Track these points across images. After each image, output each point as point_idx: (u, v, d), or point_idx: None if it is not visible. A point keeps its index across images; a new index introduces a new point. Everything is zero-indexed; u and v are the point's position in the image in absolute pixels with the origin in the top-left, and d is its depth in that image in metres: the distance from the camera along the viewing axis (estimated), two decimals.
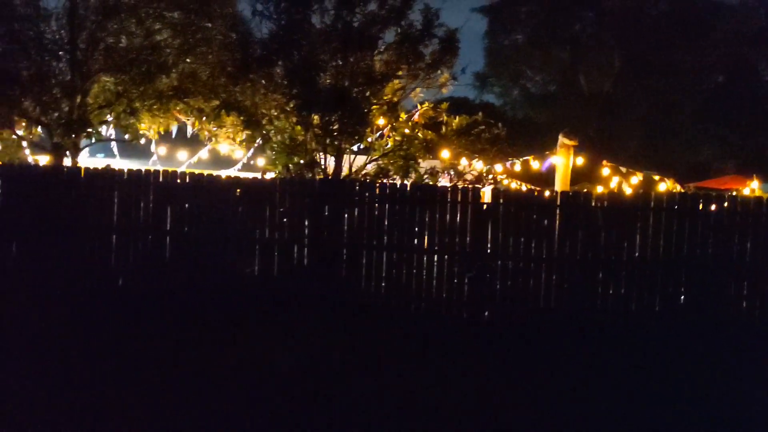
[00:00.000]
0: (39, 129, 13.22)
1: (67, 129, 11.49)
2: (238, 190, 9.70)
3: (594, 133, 26.57)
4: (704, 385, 6.79)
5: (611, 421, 5.86)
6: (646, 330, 8.38)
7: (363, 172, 11.71)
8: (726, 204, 8.58)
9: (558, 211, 8.86)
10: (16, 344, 7.32)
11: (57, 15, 11.87)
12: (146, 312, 8.90)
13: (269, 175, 11.48)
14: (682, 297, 8.56)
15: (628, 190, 13.77)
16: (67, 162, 11.89)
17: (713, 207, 8.59)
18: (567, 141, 12.65)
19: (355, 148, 11.72)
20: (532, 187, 11.55)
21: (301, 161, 11.40)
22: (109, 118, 12.61)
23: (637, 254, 8.63)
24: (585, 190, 10.37)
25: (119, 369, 6.67)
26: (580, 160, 13.80)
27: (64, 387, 6.09)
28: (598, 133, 26.90)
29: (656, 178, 15.05)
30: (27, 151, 14.56)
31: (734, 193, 13.25)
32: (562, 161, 12.89)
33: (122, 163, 15.40)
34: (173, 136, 14.40)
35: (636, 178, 14.93)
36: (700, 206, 8.57)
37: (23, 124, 12.82)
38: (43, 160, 14.09)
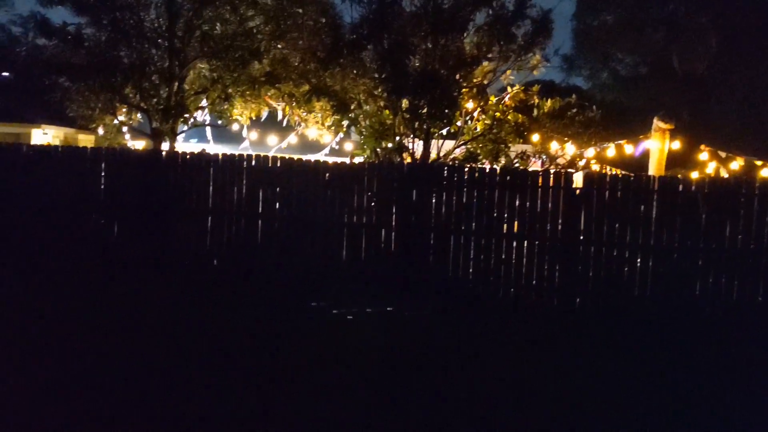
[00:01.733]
0: (139, 115, 13.76)
1: (165, 114, 11.91)
2: (327, 174, 9.82)
3: (689, 116, 25.46)
4: None
5: (709, 414, 5.65)
6: (748, 321, 8.03)
7: (451, 157, 11.63)
8: None
9: (655, 196, 8.57)
10: (118, 319, 7.69)
11: (156, 3, 12.27)
12: (239, 292, 9.19)
13: (357, 160, 11.57)
14: None
15: (727, 176, 13.14)
16: (165, 147, 12.33)
17: None
18: (662, 125, 12.19)
19: (443, 132, 11.61)
20: (626, 173, 11.18)
21: (389, 145, 11.42)
22: (204, 103, 12.98)
23: (739, 242, 8.25)
24: (680, 175, 9.95)
25: (219, 344, 6.93)
26: (676, 145, 13.27)
27: (165, 361, 6.36)
28: (694, 117, 25.74)
29: (758, 163, 14.30)
30: (127, 136, 15.22)
31: None
32: (657, 145, 12.43)
33: (215, 148, 15.88)
34: (262, 120, 14.70)
35: (736, 164, 14.23)
36: None
37: (124, 110, 13.37)
38: (141, 144, 14.71)
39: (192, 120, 13.45)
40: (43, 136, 20.64)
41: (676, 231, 8.47)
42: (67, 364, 6.07)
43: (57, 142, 20.74)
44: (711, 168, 14.81)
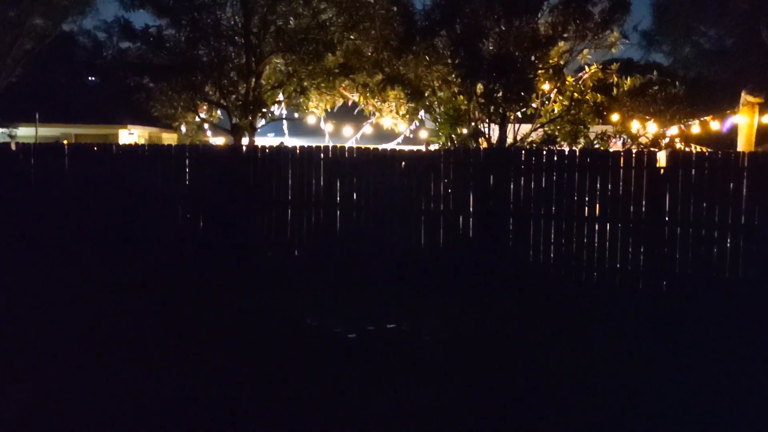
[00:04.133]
0: (218, 111, 14.15)
1: (244, 110, 12.21)
2: (403, 163, 9.85)
3: None
4: None
5: None
6: None
7: (528, 140, 11.45)
8: None
9: (745, 174, 8.19)
10: (202, 309, 7.97)
11: (231, 2, 12.57)
12: (319, 280, 9.36)
13: (433, 147, 11.55)
14: None
15: None
16: (244, 141, 12.64)
17: None
18: (751, 98, 11.64)
19: (519, 115, 11.43)
20: (712, 150, 10.75)
21: (465, 131, 11.34)
22: (281, 97, 13.22)
23: None
24: None
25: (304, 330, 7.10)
26: (766, 119, 12.64)
27: (246, 347, 6.56)
28: None
29: None
30: (208, 133, 15.70)
31: None
32: (746, 120, 11.88)
33: (292, 142, 16.17)
34: (336, 111, 14.86)
35: None
36: None
37: (204, 107, 13.77)
38: (221, 141, 15.14)
39: (269, 114, 13.72)
40: (129, 136, 21.54)
41: None
42: (168, 349, 6.35)
43: (142, 141, 21.61)
44: None
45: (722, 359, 6.34)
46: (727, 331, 7.17)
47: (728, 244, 8.26)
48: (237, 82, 12.42)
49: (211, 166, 11.05)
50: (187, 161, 11.11)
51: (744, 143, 11.98)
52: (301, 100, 12.87)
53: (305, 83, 12.32)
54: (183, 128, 14.74)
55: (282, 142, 13.44)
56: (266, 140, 17.91)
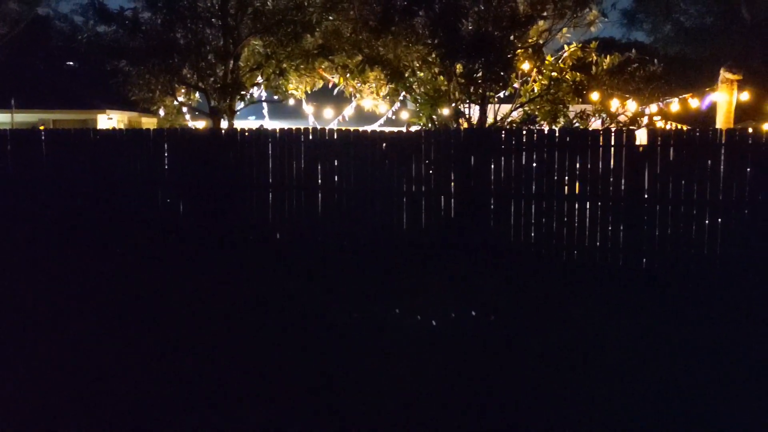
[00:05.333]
0: (197, 95, 14.00)
1: (222, 93, 12.08)
2: (384, 144, 9.83)
3: (760, 65, 24.31)
4: None
5: None
6: None
7: (509, 120, 11.44)
8: None
9: (723, 151, 8.25)
10: (185, 293, 7.94)
11: None
12: (301, 263, 9.36)
13: (414, 128, 11.51)
14: None
15: None
16: (223, 125, 12.54)
17: None
18: (730, 75, 11.67)
19: (502, 94, 11.40)
20: (691, 128, 10.80)
21: (445, 112, 11.31)
22: (260, 80, 13.10)
23: None
24: (751, 128, 9.51)
25: (286, 314, 7.09)
26: (745, 96, 12.70)
27: (231, 328, 6.55)
28: (765, 66, 24.58)
29: None
30: (187, 117, 15.54)
31: None
32: (725, 98, 11.92)
33: (272, 124, 16.06)
34: (317, 93, 14.74)
35: None
36: None
37: (183, 91, 13.62)
38: (201, 124, 14.99)
39: (248, 97, 13.61)
40: (108, 120, 21.29)
41: (746, 186, 8.16)
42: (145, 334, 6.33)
43: (121, 126, 21.37)
44: None
45: (701, 334, 6.42)
46: (706, 307, 7.24)
47: (707, 221, 8.33)
48: (215, 65, 12.28)
49: (191, 150, 10.97)
50: (166, 145, 11.03)
51: (723, 120, 12.04)
52: (281, 82, 12.76)
53: (284, 65, 12.20)
54: (161, 112, 14.58)
55: (262, 125, 13.35)
56: (247, 123, 17.77)
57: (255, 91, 14.00)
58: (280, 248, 10.17)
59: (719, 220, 8.27)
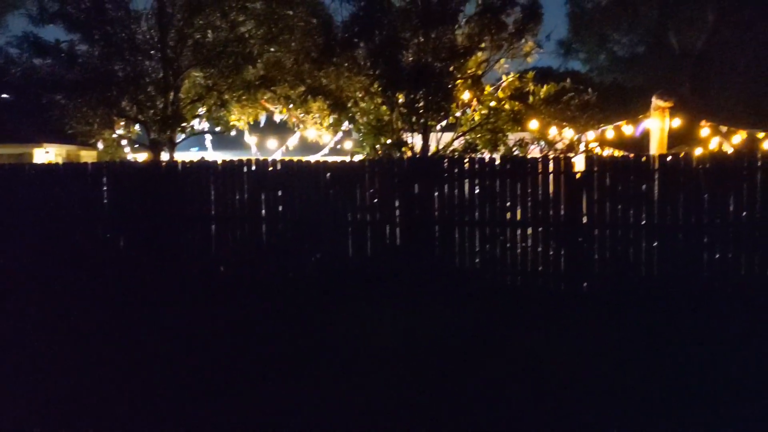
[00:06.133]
0: (137, 127, 13.80)
1: (162, 125, 11.95)
2: (328, 174, 9.84)
3: (689, 92, 25.34)
4: None
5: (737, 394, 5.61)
6: (759, 295, 7.98)
7: (451, 149, 11.61)
8: None
9: (657, 175, 8.52)
10: (124, 330, 7.72)
11: (146, 16, 12.29)
12: (247, 297, 9.22)
13: (358, 158, 11.57)
14: None
15: (729, 150, 13.07)
16: (164, 157, 12.37)
17: None
18: (661, 103, 12.14)
19: (443, 123, 11.59)
20: (627, 153, 11.14)
21: (389, 141, 11.42)
22: (201, 111, 13.01)
23: (744, 216, 8.19)
24: (683, 153, 9.87)
25: (238, 349, 6.95)
26: (677, 122, 13.20)
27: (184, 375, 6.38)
28: (694, 93, 25.62)
29: (761, 135, 14.22)
30: (127, 149, 15.27)
31: None
32: (657, 124, 12.37)
33: (215, 155, 15.90)
34: (261, 125, 14.70)
35: (738, 137, 14.15)
36: None
37: (122, 123, 13.40)
38: (142, 156, 14.75)
39: (190, 129, 13.49)
40: (45, 154, 20.73)
41: (680, 209, 8.43)
42: (76, 380, 6.11)
43: (59, 160, 20.84)
44: (714, 143, 14.74)
45: (643, 355, 6.55)
46: (643, 327, 7.41)
47: (643, 244, 8.56)
48: (155, 97, 12.15)
49: (131, 183, 10.78)
50: (105, 179, 10.82)
51: (657, 146, 12.47)
52: (222, 113, 12.70)
53: (226, 96, 12.16)
54: (100, 145, 14.30)
55: (203, 157, 13.21)
56: (189, 155, 17.57)
57: (197, 123, 13.88)
58: (223, 281, 10.01)
59: (655, 243, 8.50)
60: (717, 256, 8.29)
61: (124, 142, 14.71)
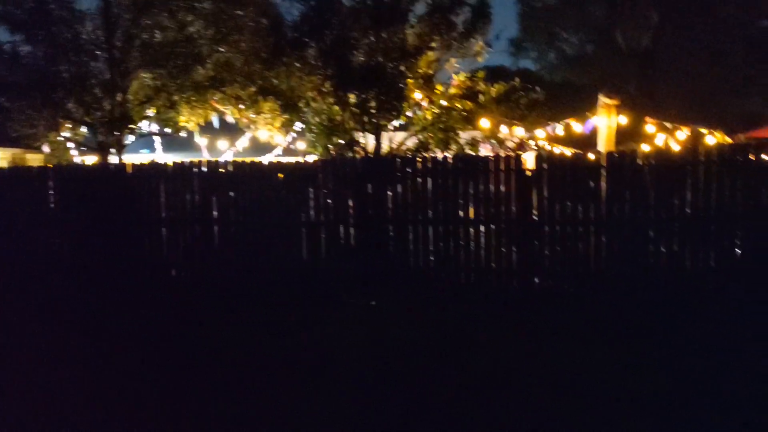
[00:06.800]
0: (84, 129, 13.50)
1: (110, 127, 11.74)
2: (281, 175, 9.78)
3: (635, 90, 25.92)
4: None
5: (685, 383, 5.75)
6: (703, 287, 8.20)
7: (403, 148, 11.66)
8: None
9: (604, 172, 8.70)
10: (69, 338, 7.54)
11: (91, 16, 12.04)
12: (200, 301, 9.10)
13: (310, 158, 11.54)
14: (738, 251, 8.31)
15: (675, 147, 13.42)
16: (113, 159, 12.14)
17: (766, 156, 8.27)
18: (608, 100, 12.40)
19: (396, 123, 11.64)
20: (576, 151, 11.35)
21: (341, 141, 11.41)
22: (150, 113, 12.79)
23: (689, 211, 8.41)
24: (631, 149, 10.11)
25: (190, 357, 6.85)
26: (623, 120, 13.49)
27: (128, 385, 6.26)
28: (640, 91, 26.22)
29: (704, 131, 14.63)
30: (74, 152, 14.92)
31: None
32: (605, 122, 12.64)
33: (165, 157, 15.64)
34: (214, 126, 14.53)
35: (682, 134, 14.54)
36: (752, 156, 8.28)
37: (68, 125, 13.10)
38: (90, 159, 14.43)
39: (138, 130, 13.26)
40: None
41: (627, 204, 8.61)
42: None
43: (4, 164, 20.24)
44: (660, 140, 15.11)
45: (594, 351, 6.68)
46: (594, 321, 7.56)
47: (592, 239, 8.72)
48: (102, 98, 11.90)
49: (78, 187, 10.54)
50: (51, 182, 10.55)
51: (605, 143, 12.73)
52: (172, 114, 12.51)
53: (175, 97, 11.98)
54: (46, 148, 13.95)
55: (153, 159, 13.00)
56: (138, 157, 17.22)
57: (146, 125, 13.65)
58: (174, 285, 9.86)
59: (603, 238, 8.67)
60: (663, 249, 8.50)
61: (71, 144, 14.37)
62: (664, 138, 14.95)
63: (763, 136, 18.52)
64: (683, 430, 4.87)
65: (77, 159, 14.95)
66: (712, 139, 14.10)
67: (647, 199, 8.52)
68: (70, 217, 10.42)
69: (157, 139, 16.91)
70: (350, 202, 9.54)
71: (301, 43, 10.84)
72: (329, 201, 9.61)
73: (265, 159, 11.27)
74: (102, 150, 12.12)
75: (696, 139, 14.13)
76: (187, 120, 13.12)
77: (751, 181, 8.20)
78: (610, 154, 9.01)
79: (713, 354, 6.34)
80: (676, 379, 5.80)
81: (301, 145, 15.28)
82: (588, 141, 14.32)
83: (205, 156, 16.02)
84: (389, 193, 9.37)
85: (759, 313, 7.26)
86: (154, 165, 10.47)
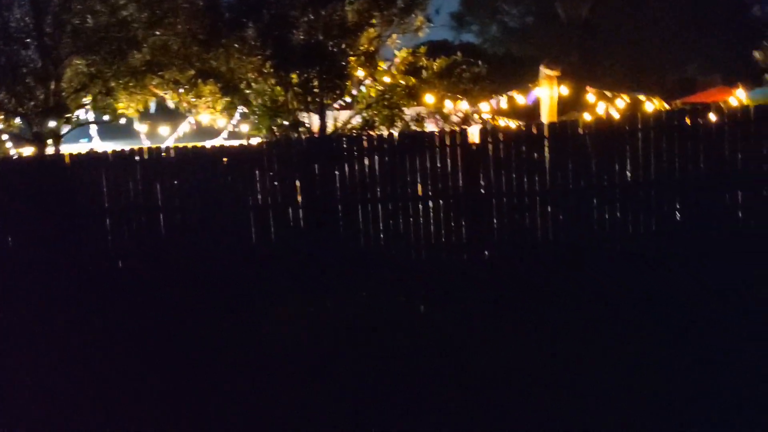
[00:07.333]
0: (17, 120, 13.04)
1: (44, 117, 11.37)
2: (225, 159, 9.63)
3: (576, 60, 26.23)
4: (717, 290, 6.93)
5: (622, 353, 5.91)
6: (646, 250, 8.40)
7: (349, 127, 11.60)
8: (713, 116, 8.49)
9: (547, 143, 8.80)
10: (19, 336, 7.34)
11: (19, 2, 11.59)
12: (149, 291, 8.94)
13: (255, 140, 11.38)
14: (678, 215, 8.54)
15: (615, 115, 13.68)
16: (50, 150, 11.77)
17: (701, 121, 8.48)
18: (549, 71, 12.53)
19: (341, 102, 11.54)
20: (520, 123, 11.46)
21: (285, 122, 11.27)
22: (86, 101, 12.41)
23: (629, 177, 8.58)
24: (573, 119, 10.26)
25: (135, 353, 6.73)
26: (565, 90, 13.67)
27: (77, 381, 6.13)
28: (581, 61, 26.53)
29: (642, 98, 14.95)
30: (9, 144, 14.39)
31: (721, 105, 13.16)
32: (547, 92, 12.78)
33: (105, 146, 15.23)
34: (151, 111, 14.18)
35: (622, 101, 14.82)
36: (688, 121, 8.49)
37: (1, 117, 12.63)
38: (28, 151, 13.95)
39: (75, 119, 12.85)
40: None
41: (570, 173, 8.74)
42: None
43: None
44: (601, 108, 15.38)
45: (545, 315, 6.82)
46: (543, 290, 7.70)
47: (538, 209, 8.84)
48: (35, 88, 11.48)
49: (15, 180, 10.18)
50: None
51: (548, 114, 12.89)
52: (109, 101, 12.15)
53: (111, 84, 11.61)
54: None
55: (92, 149, 12.66)
56: (77, 147, 16.73)
57: (82, 113, 13.24)
58: (123, 276, 9.66)
59: (549, 208, 8.80)
60: (606, 216, 8.67)
61: (5, 136, 13.86)
62: (605, 107, 15.23)
63: (699, 101, 19.02)
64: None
65: (13, 151, 14.43)
66: (650, 106, 14.42)
67: (589, 167, 8.67)
68: (10, 211, 10.06)
69: (94, 128, 16.45)
70: (298, 184, 9.45)
71: (239, 24, 10.62)
72: (276, 183, 9.51)
73: (209, 144, 11.08)
74: (38, 141, 11.72)
75: (635, 106, 14.43)
76: (126, 106, 12.76)
77: (687, 145, 8.41)
78: (552, 124, 9.13)
79: (654, 309, 6.60)
80: (624, 331, 6.01)
81: (246, 128, 15.07)
82: (532, 112, 14.49)
83: (146, 143, 15.67)
84: (336, 173, 9.31)
85: (698, 272, 7.50)
86: (93, 154, 10.20)
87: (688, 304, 6.72)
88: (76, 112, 12.74)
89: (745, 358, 5.33)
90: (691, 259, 7.87)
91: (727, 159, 8.35)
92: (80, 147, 15.69)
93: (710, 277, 7.27)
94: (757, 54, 16.13)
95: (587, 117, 13.45)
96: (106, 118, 13.24)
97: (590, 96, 14.83)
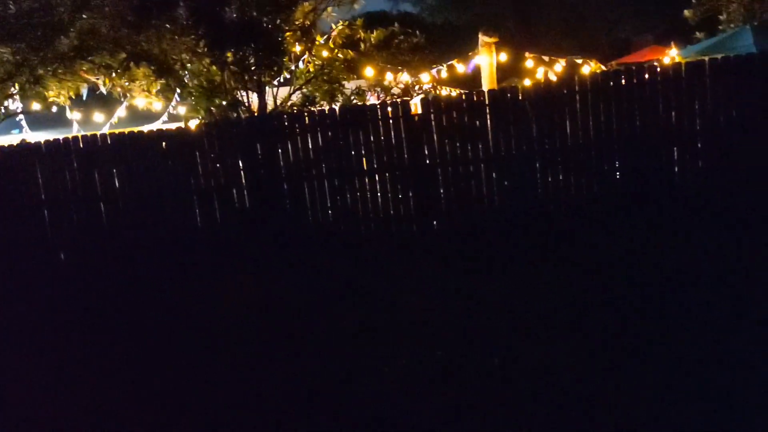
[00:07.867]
0: None
1: None
2: (164, 143, 9.41)
3: (514, 27, 26.44)
4: (657, 243, 7.23)
5: (576, 310, 6.05)
6: (588, 211, 8.58)
7: (289, 103, 11.44)
8: (646, 75, 8.66)
9: (488, 110, 8.85)
10: None
11: None
12: (93, 282, 8.76)
13: (194, 122, 11.14)
14: (618, 174, 8.72)
15: (553, 79, 13.85)
16: None
17: (635, 80, 8.63)
18: (487, 39, 12.58)
19: (280, 79, 11.34)
20: (462, 91, 11.49)
21: (224, 102, 11.05)
22: (14, 90, 11.92)
23: (569, 140, 8.70)
24: (513, 85, 10.33)
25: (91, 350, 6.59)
26: (503, 57, 13.76)
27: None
28: (518, 27, 26.77)
29: (579, 61, 15.17)
30: None
31: (654, 64, 13.45)
32: (486, 60, 12.84)
33: (37, 136, 14.71)
34: (84, 98, 13.70)
35: (559, 65, 15.02)
36: (623, 81, 8.63)
37: None
38: None
39: (4, 111, 12.35)
40: None
41: (512, 139, 8.82)
42: None
43: None
44: (540, 73, 15.56)
45: (496, 283, 6.93)
46: (491, 256, 7.81)
47: (483, 177, 8.92)
48: None
49: None
50: None
51: (488, 81, 12.97)
52: (38, 90, 11.69)
53: (39, 71, 11.16)
54: None
55: (24, 139, 12.21)
56: (9, 138, 16.13)
57: (11, 103, 12.72)
58: (66, 268, 9.41)
59: (493, 175, 8.88)
60: (549, 180, 8.80)
61: None
62: (544, 71, 15.41)
63: (634, 61, 19.40)
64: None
65: None
66: (587, 68, 14.65)
67: (530, 132, 8.76)
68: None
69: (24, 118, 15.85)
70: (240, 165, 9.31)
71: (169, 3, 10.29)
72: (218, 165, 9.35)
73: (146, 128, 10.78)
74: None
75: (572, 69, 14.64)
76: (57, 94, 12.31)
77: (623, 106, 8.56)
78: (491, 91, 9.16)
79: (600, 267, 6.80)
80: (573, 291, 6.15)
81: (184, 110, 14.74)
82: (472, 80, 14.57)
83: (80, 131, 15.19)
84: (280, 151, 9.20)
85: (638, 229, 7.72)
86: (24, 145, 9.84)
87: (631, 256, 6.95)
88: (5, 103, 12.22)
89: (692, 306, 5.56)
90: (632, 216, 8.09)
91: (662, 116, 8.53)
92: (12, 139, 15.14)
93: (651, 232, 7.51)
94: (687, 13, 16.49)
95: (527, 82, 13.59)
96: (36, 107, 12.75)
97: (529, 61, 14.96)
